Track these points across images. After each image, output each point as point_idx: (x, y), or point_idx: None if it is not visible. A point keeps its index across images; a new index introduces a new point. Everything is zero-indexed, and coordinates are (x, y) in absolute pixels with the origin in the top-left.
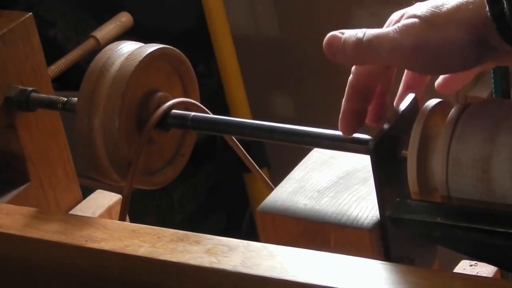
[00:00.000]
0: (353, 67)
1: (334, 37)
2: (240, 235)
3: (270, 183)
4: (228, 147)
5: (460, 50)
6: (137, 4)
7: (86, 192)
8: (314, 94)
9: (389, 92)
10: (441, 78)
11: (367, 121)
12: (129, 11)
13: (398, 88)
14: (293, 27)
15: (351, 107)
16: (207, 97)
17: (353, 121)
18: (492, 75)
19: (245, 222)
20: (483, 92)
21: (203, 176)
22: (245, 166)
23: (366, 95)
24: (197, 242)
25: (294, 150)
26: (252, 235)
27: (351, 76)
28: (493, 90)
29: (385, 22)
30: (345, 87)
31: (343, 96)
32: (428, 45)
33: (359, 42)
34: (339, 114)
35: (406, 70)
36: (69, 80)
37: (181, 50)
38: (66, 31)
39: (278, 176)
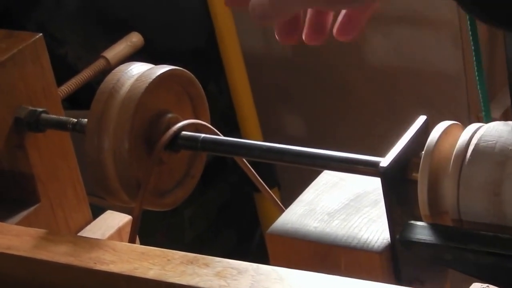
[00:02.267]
0: None
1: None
2: (250, 255)
3: (280, 204)
4: (239, 166)
5: None
6: (148, 23)
7: (97, 211)
8: (324, 112)
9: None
10: (338, 23)
11: (304, 38)
12: (139, 30)
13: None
14: (304, 46)
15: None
16: (217, 115)
17: (286, 28)
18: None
19: (255, 242)
20: (496, 112)
21: (213, 195)
22: (254, 186)
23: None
24: (207, 265)
25: (304, 170)
26: (262, 255)
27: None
28: None
29: (397, 42)
30: (356, 107)
31: (355, 116)
32: None
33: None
34: (351, 132)
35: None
36: (79, 99)
37: (191, 69)
38: (77, 50)
39: (288, 196)
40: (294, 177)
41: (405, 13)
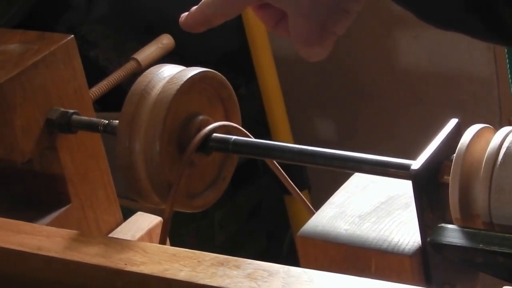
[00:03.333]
0: None
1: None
2: (280, 257)
3: (311, 207)
4: (269, 169)
5: None
6: (179, 25)
7: (127, 212)
8: (355, 116)
9: None
10: None
11: None
12: (170, 33)
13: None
14: (335, 49)
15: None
16: (248, 119)
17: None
18: None
19: (286, 245)
20: None
21: (243, 197)
22: (285, 188)
23: None
24: (237, 267)
25: (334, 172)
26: (292, 257)
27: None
28: None
29: (427, 45)
30: (387, 111)
31: (385, 119)
32: None
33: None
34: (381, 135)
35: None
36: (109, 101)
37: (222, 72)
38: (107, 52)
39: (319, 198)
40: (325, 180)
41: None
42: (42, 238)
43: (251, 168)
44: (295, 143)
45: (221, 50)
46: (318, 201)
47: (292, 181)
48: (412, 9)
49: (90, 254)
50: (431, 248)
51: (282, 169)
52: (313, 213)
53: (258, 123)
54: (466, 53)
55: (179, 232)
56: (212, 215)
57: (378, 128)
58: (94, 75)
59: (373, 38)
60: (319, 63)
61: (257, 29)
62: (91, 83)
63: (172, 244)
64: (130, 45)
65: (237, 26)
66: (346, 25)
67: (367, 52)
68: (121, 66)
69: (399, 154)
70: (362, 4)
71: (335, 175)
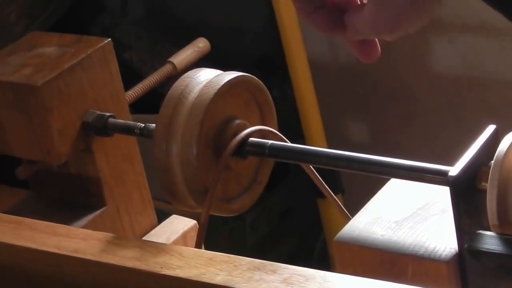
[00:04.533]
0: None
1: None
2: (312, 260)
3: (346, 211)
4: (301, 171)
5: None
6: (214, 29)
7: (161, 215)
8: (389, 120)
9: None
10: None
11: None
12: (205, 36)
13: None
14: None
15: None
16: (281, 122)
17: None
18: None
19: (317, 248)
20: None
21: (276, 200)
22: (318, 192)
23: None
24: (274, 271)
25: (369, 177)
26: (324, 261)
27: None
28: None
29: (462, 50)
30: (421, 115)
31: (420, 124)
32: None
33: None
34: (416, 140)
35: None
36: (143, 103)
37: (256, 75)
38: (141, 54)
39: (352, 202)
40: (359, 184)
41: (470, 21)
42: (78, 240)
43: (283, 170)
44: (328, 146)
45: (255, 53)
46: (352, 205)
47: (326, 185)
48: (500, 9)
49: (126, 257)
50: (468, 254)
51: (316, 173)
52: (348, 218)
53: (291, 126)
54: (500, 58)
55: (211, 234)
56: (244, 217)
57: (412, 133)
58: (127, 76)
59: (408, 42)
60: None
61: (292, 33)
62: (125, 84)
63: (204, 246)
64: (164, 47)
65: (271, 29)
66: (419, 26)
67: (402, 56)
68: (154, 68)
69: (433, 159)
70: (440, 8)
71: (369, 179)
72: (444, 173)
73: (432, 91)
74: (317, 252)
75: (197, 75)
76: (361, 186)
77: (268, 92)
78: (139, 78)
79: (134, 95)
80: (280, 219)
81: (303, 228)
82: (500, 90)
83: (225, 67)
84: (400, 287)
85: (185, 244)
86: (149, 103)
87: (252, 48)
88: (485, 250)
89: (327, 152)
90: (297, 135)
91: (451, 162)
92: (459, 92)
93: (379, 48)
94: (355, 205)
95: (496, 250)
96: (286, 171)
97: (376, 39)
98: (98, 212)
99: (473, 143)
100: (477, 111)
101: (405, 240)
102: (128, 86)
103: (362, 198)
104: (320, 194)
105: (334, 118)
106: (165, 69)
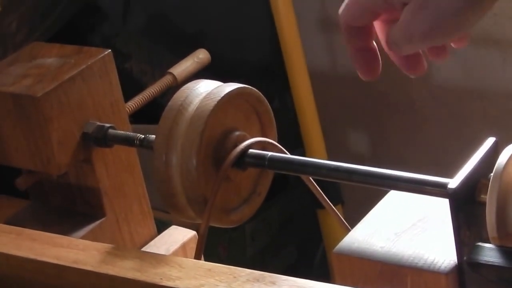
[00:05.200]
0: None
1: None
2: (311, 271)
3: (345, 222)
4: (301, 182)
5: None
6: (213, 39)
7: (161, 225)
8: (389, 131)
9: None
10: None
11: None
12: (204, 46)
13: None
14: None
15: (356, 47)
16: (281, 132)
17: (367, 62)
18: None
19: (317, 258)
20: None
21: (275, 210)
22: (318, 202)
23: (365, 31)
24: (273, 283)
25: (369, 188)
26: (324, 271)
27: (340, 19)
28: None
29: (462, 61)
30: (422, 126)
31: (420, 135)
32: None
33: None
34: (416, 152)
35: None
36: (143, 114)
37: (256, 86)
38: (141, 64)
39: (352, 212)
40: (359, 194)
41: (472, 33)
42: (78, 251)
43: (282, 181)
44: (328, 157)
45: (255, 63)
46: (352, 216)
47: (325, 196)
48: None
49: (126, 268)
50: (467, 266)
51: (316, 183)
52: (347, 229)
53: (291, 136)
54: (501, 69)
55: (210, 243)
56: (243, 227)
57: (412, 144)
58: (128, 86)
59: None
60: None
61: (292, 43)
62: (125, 94)
63: (204, 256)
64: (164, 57)
65: (271, 39)
66: (458, 34)
67: None
68: (155, 78)
69: (434, 171)
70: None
71: (370, 190)
72: (443, 185)
73: (433, 102)
74: (317, 262)
75: (196, 86)
76: (362, 196)
77: (267, 103)
78: (139, 88)
79: (134, 106)
80: (280, 229)
81: (303, 238)
82: (501, 102)
83: (225, 77)
84: None
85: (185, 255)
86: (150, 113)
87: (252, 58)
88: (484, 262)
89: (326, 164)
90: (297, 145)
91: (452, 174)
92: (460, 103)
93: (425, 63)
94: (355, 216)
95: (496, 262)
96: (285, 181)
97: (421, 54)
98: (97, 222)
99: (474, 155)
100: (478, 123)
101: (405, 252)
102: (128, 96)
103: (362, 208)
104: (320, 205)
105: (334, 128)
106: (165, 80)
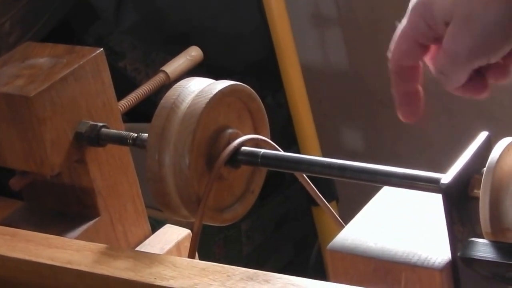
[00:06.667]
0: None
1: None
2: (307, 268)
3: (339, 219)
4: (296, 180)
5: None
6: (206, 37)
7: (155, 223)
8: (383, 127)
9: None
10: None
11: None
12: (196, 43)
13: None
14: (363, 59)
15: (403, 90)
16: (275, 129)
17: (411, 105)
18: None
19: (313, 256)
20: None
21: (270, 208)
22: (313, 199)
23: (414, 73)
24: (267, 281)
25: (363, 184)
26: (319, 268)
27: (390, 60)
28: None
29: None
30: (415, 121)
31: (414, 130)
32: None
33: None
34: (410, 147)
35: None
36: (137, 112)
37: (249, 83)
38: (135, 63)
39: (346, 209)
40: (353, 191)
41: None
42: (72, 252)
43: (277, 178)
44: (322, 153)
45: (248, 60)
46: (346, 212)
47: (320, 192)
48: None
49: (120, 268)
50: (461, 262)
51: (310, 180)
52: (341, 225)
53: (285, 133)
54: None
55: (206, 242)
56: (239, 226)
57: (406, 140)
58: (122, 85)
59: None
60: (347, 74)
61: (284, 40)
62: (119, 93)
63: (199, 255)
64: (158, 55)
65: (264, 36)
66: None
67: None
68: (149, 77)
69: (428, 166)
70: None
71: (363, 186)
72: (436, 181)
73: (426, 97)
74: (313, 259)
75: (189, 84)
76: (356, 193)
77: (260, 100)
78: (133, 86)
79: (127, 104)
80: (275, 227)
81: (298, 236)
82: (494, 95)
83: (218, 74)
84: None
85: (179, 254)
86: (143, 112)
87: (244, 55)
88: (478, 257)
89: (319, 160)
90: (291, 142)
91: (446, 169)
92: (454, 98)
93: (488, 86)
94: (350, 212)
95: (489, 257)
96: (280, 179)
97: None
98: (92, 222)
99: (466, 149)
100: (472, 118)
101: (398, 248)
102: (122, 95)
103: (357, 205)
104: (315, 202)
105: (328, 125)
106: (158, 78)
